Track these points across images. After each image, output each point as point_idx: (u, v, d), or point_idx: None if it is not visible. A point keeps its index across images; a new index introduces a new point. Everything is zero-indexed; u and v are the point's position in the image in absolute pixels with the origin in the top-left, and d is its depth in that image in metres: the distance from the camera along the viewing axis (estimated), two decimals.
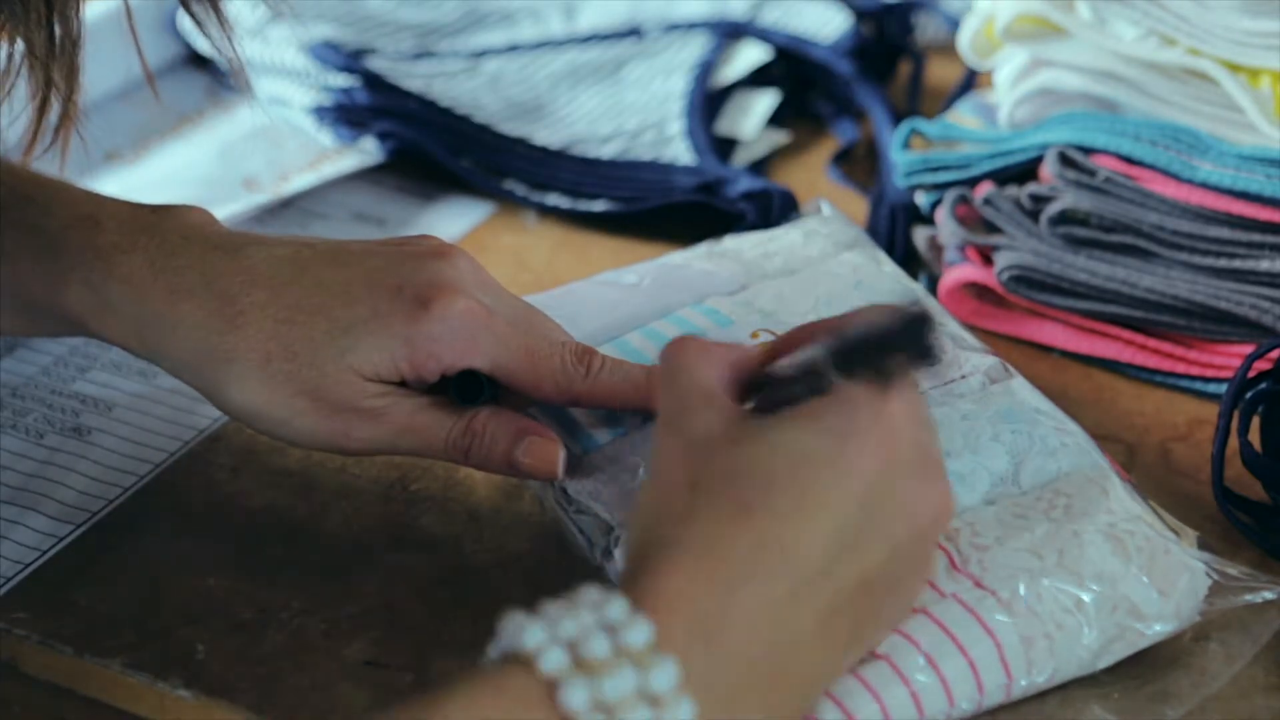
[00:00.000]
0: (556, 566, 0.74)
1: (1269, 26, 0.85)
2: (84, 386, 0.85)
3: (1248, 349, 0.84)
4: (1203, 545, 0.73)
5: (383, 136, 1.02)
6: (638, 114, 1.05)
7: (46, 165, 0.73)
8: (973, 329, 0.86)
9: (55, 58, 0.66)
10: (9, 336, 0.87)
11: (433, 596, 0.74)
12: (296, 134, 1.06)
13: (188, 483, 0.80)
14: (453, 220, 0.99)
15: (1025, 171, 0.90)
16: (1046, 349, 0.89)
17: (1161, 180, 0.85)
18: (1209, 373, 0.86)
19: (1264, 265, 0.84)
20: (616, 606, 0.57)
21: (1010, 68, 0.93)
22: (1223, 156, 0.85)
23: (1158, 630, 0.69)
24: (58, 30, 0.66)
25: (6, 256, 0.75)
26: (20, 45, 0.66)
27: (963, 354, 0.78)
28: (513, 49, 1.10)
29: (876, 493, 0.61)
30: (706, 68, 1.08)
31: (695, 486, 0.61)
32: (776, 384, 0.65)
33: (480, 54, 1.10)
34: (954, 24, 1.09)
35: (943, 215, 0.91)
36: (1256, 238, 0.84)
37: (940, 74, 1.10)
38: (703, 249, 0.88)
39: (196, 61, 1.12)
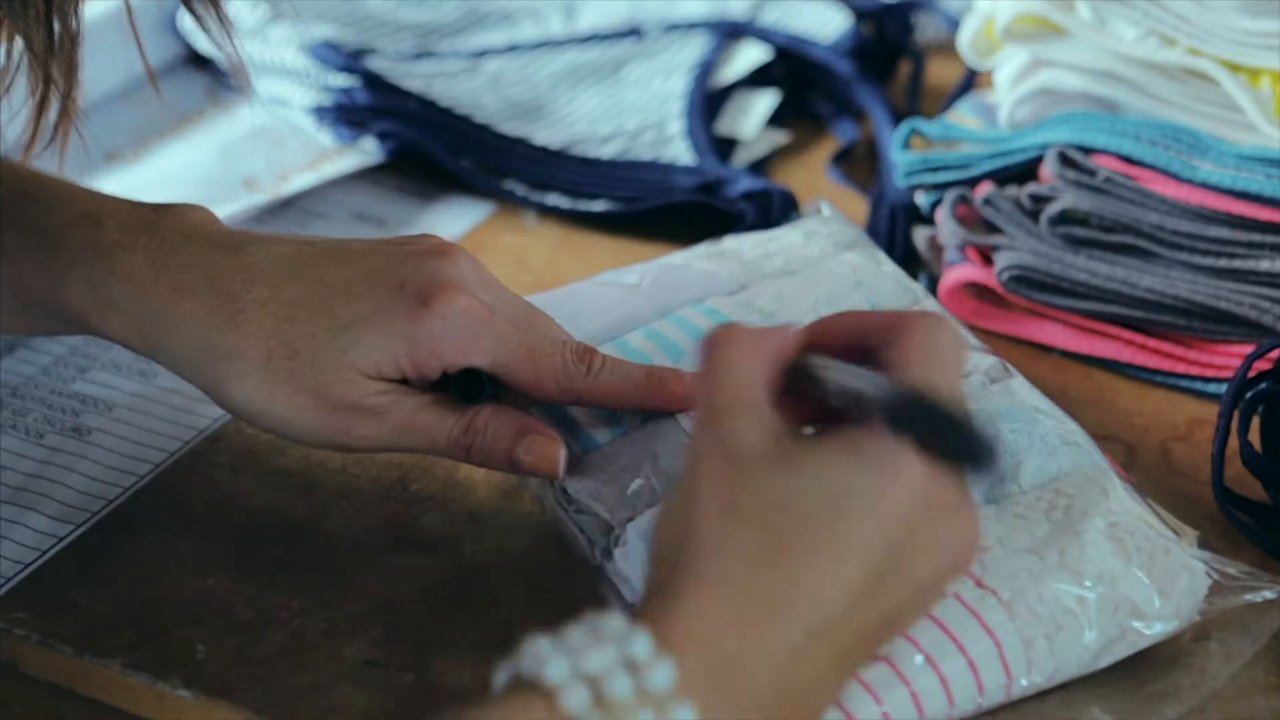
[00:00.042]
0: (556, 566, 0.74)
1: (1269, 26, 0.85)
2: (84, 386, 0.85)
3: (1248, 349, 0.84)
4: (1203, 545, 0.73)
5: (383, 136, 1.02)
6: (638, 114, 1.05)
7: (46, 164, 0.73)
8: (973, 329, 0.86)
9: (54, 55, 0.66)
10: (9, 335, 0.87)
11: (433, 596, 0.74)
12: (296, 134, 1.06)
13: (188, 483, 0.80)
14: (453, 220, 0.99)
15: (1025, 171, 0.90)
16: (1046, 349, 0.89)
17: (1161, 180, 0.85)
18: (1209, 373, 0.86)
19: (1264, 265, 0.84)
20: (640, 643, 0.56)
21: (1010, 68, 0.93)
22: (1223, 156, 0.85)
23: (1158, 630, 0.69)
24: (57, 27, 0.66)
25: (7, 255, 0.75)
26: (19, 42, 0.66)
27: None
28: (513, 49, 1.10)
29: (907, 534, 0.59)
30: (706, 68, 1.08)
31: (732, 511, 0.59)
32: (822, 393, 0.63)
33: (480, 54, 1.10)
34: (954, 24, 1.09)
35: (943, 215, 0.91)
36: (1256, 238, 0.84)
37: (940, 74, 1.10)
38: (703, 249, 0.87)
39: (196, 61, 1.12)
